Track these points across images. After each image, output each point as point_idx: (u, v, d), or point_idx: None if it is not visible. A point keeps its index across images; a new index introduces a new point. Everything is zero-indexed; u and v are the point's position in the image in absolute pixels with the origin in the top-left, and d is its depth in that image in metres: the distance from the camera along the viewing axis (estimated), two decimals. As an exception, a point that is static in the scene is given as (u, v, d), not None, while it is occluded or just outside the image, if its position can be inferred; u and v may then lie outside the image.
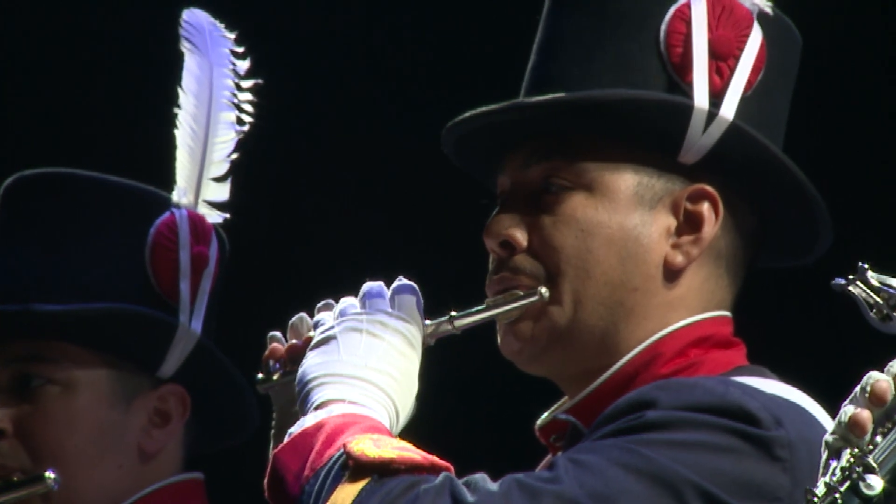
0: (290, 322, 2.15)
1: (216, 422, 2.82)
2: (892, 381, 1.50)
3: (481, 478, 1.86)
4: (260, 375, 2.15)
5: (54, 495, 2.64)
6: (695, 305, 2.06)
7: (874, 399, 1.49)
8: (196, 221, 2.78)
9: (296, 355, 2.10)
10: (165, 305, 2.75)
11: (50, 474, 2.62)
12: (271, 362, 2.14)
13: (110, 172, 2.84)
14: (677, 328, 2.05)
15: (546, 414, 2.11)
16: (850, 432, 1.48)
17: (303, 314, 2.13)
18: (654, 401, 1.87)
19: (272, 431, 2.17)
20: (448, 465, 1.88)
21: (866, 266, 1.60)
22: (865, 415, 1.48)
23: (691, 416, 1.85)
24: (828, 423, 1.86)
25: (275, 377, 2.13)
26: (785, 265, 2.18)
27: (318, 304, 2.12)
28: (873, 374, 1.50)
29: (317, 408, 1.97)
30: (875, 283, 1.60)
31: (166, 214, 2.77)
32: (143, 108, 3.45)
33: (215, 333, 2.83)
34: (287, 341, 2.14)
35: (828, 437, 1.51)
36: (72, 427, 2.69)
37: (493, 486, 1.84)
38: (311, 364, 2.02)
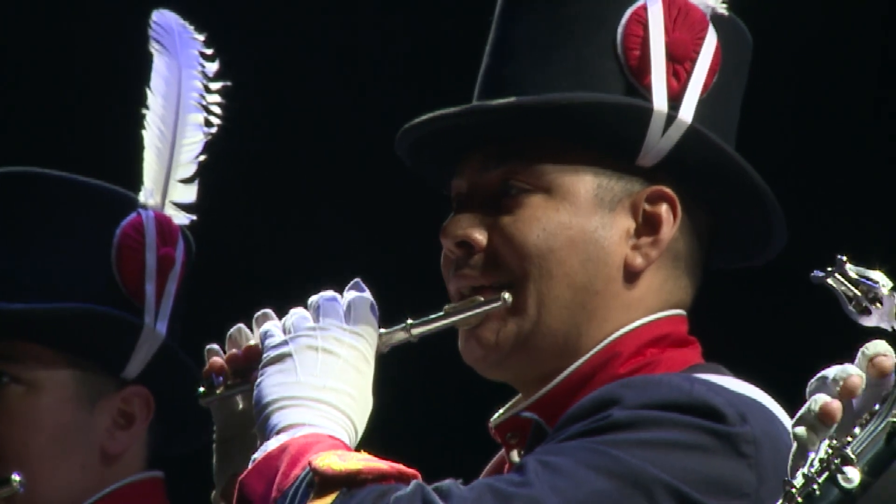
0: (229, 333, 2.12)
1: (179, 424, 2.82)
2: (863, 375, 1.51)
3: (452, 483, 1.85)
4: (202, 389, 2.11)
5: (18, 497, 2.63)
6: (653, 306, 2.07)
7: (845, 392, 1.50)
8: (163, 223, 2.78)
9: (238, 367, 2.08)
10: (131, 306, 2.75)
11: (16, 477, 2.62)
12: (213, 375, 2.10)
13: (78, 172, 2.83)
14: (634, 328, 2.05)
15: (501, 411, 2.10)
16: (820, 422, 1.50)
17: (241, 325, 2.10)
18: (620, 399, 1.87)
19: (213, 445, 2.16)
20: (415, 472, 1.88)
21: (845, 259, 1.60)
22: (836, 405, 1.50)
23: (658, 415, 1.85)
24: (785, 419, 1.92)
25: (217, 391, 2.10)
26: (739, 266, 2.19)
27: (257, 315, 2.09)
28: (847, 368, 1.52)
29: (278, 432, 1.95)
30: (854, 275, 1.60)
31: (133, 215, 2.77)
32: (112, 108, 3.44)
33: (180, 335, 2.82)
34: (226, 353, 2.11)
35: (797, 429, 1.52)
36: (36, 427, 2.69)
37: (465, 491, 1.84)
38: (269, 385, 2.00)
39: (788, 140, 3.64)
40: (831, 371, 1.53)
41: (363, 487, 1.84)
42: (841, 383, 1.51)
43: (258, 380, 2.01)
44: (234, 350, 2.10)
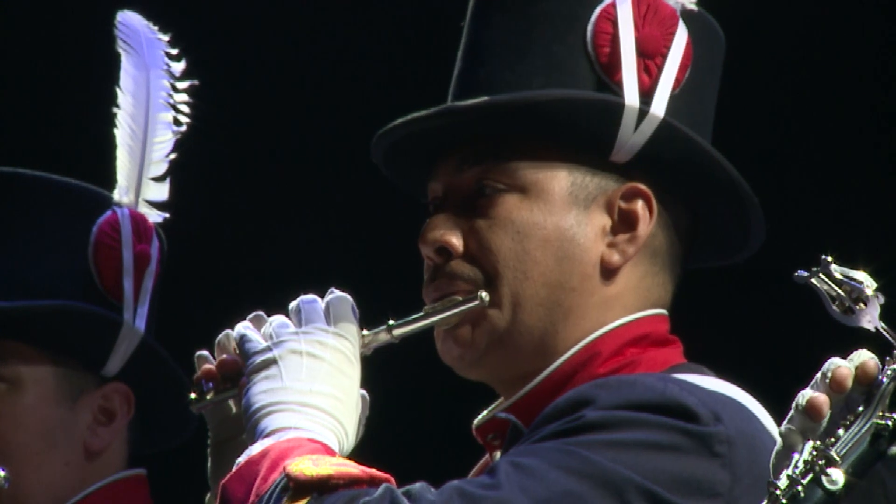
0: (217, 340, 2.13)
1: (160, 420, 2.85)
2: (853, 370, 1.53)
3: (422, 487, 1.85)
4: (193, 395, 2.13)
5: (2, 493, 2.63)
6: (632, 304, 2.06)
7: (834, 385, 1.53)
8: (137, 220, 2.81)
9: (228, 372, 2.10)
10: (109, 304, 2.77)
11: (1, 472, 2.61)
12: (203, 381, 2.12)
13: (53, 171, 2.86)
14: (614, 327, 2.05)
15: (484, 413, 2.10)
16: (806, 416, 1.52)
17: (228, 331, 2.11)
18: (593, 399, 1.87)
19: (208, 450, 2.18)
20: (388, 476, 1.88)
21: (829, 259, 1.61)
22: (822, 398, 1.52)
23: (630, 415, 1.85)
24: (765, 418, 1.94)
25: (208, 396, 2.12)
26: (718, 263, 2.19)
27: (250, 317, 2.10)
28: (834, 360, 1.54)
29: (265, 437, 1.96)
30: (838, 275, 1.61)
31: (108, 213, 2.80)
32: (84, 108, 3.44)
33: (156, 331, 2.85)
34: (215, 359, 2.12)
35: (783, 427, 1.55)
36: (18, 424, 2.71)
37: (434, 494, 1.84)
38: (255, 392, 2.01)
39: (773, 135, 3.62)
40: (824, 367, 1.55)
41: (334, 492, 1.84)
42: (830, 375, 1.54)
43: (245, 387, 2.03)
44: (223, 356, 2.11)
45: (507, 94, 2.05)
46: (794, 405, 1.54)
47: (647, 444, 1.84)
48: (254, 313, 2.10)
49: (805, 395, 1.53)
